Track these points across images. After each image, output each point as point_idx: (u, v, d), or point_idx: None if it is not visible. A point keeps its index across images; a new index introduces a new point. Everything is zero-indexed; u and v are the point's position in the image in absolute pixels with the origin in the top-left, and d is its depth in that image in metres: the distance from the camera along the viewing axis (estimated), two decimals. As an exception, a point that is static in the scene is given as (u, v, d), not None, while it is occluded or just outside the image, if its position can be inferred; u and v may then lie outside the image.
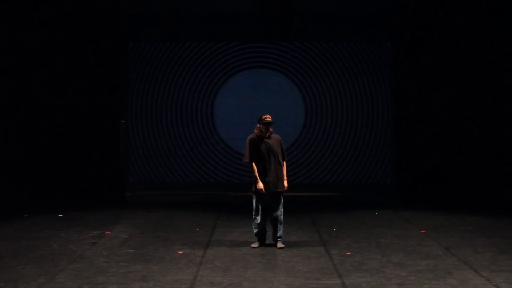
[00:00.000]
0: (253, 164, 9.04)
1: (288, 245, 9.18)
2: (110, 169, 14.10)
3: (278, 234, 9.15)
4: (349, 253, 8.74)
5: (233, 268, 7.88)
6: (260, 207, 9.06)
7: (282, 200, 9.17)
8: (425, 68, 14.09)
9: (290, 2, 15.06)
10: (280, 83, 15.43)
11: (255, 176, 8.99)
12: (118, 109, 14.56)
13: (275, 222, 9.16)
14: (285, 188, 9.09)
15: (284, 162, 9.17)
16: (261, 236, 9.20)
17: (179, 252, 8.82)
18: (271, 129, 9.07)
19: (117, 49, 14.38)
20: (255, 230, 9.17)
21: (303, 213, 11.91)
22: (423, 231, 10.36)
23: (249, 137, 9.12)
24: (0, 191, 13.16)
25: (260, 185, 8.95)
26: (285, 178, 9.12)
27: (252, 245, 9.12)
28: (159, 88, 15.34)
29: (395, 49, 14.67)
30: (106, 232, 10.27)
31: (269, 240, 9.27)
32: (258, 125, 9.06)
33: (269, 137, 9.06)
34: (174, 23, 15.16)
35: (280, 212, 9.13)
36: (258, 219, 9.08)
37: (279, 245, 9.10)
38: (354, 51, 15.30)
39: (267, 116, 9.01)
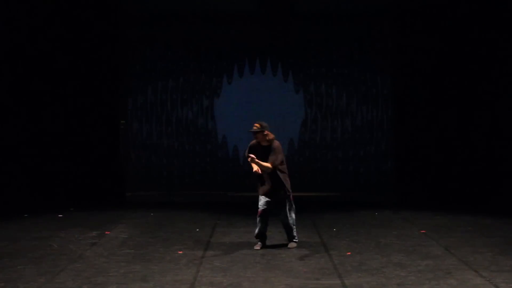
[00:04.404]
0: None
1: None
2: (110, 169, 14.11)
3: (290, 237, 9.18)
4: (349, 253, 8.74)
5: (233, 268, 7.88)
6: (259, 208, 9.03)
7: (288, 205, 9.04)
8: (426, 68, 14.08)
9: (290, 2, 15.03)
10: (280, 83, 15.41)
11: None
12: (118, 109, 14.56)
13: (284, 226, 9.19)
14: (269, 165, 8.67)
15: (271, 163, 8.70)
16: (261, 238, 9.15)
17: (179, 252, 8.82)
18: (270, 137, 8.81)
19: (117, 48, 14.38)
20: (255, 231, 9.15)
21: (303, 213, 11.88)
22: (423, 231, 10.35)
23: (250, 143, 8.98)
24: (0, 191, 13.16)
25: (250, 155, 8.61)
26: (263, 164, 8.66)
27: (255, 247, 9.10)
28: (159, 88, 15.32)
29: (395, 48, 14.66)
30: (106, 232, 10.27)
31: (269, 241, 9.28)
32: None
33: (267, 145, 8.83)
34: (174, 23, 15.13)
35: (286, 217, 9.04)
36: (258, 220, 9.05)
37: (290, 245, 9.13)
38: (354, 51, 15.27)
39: (255, 124, 8.83)
